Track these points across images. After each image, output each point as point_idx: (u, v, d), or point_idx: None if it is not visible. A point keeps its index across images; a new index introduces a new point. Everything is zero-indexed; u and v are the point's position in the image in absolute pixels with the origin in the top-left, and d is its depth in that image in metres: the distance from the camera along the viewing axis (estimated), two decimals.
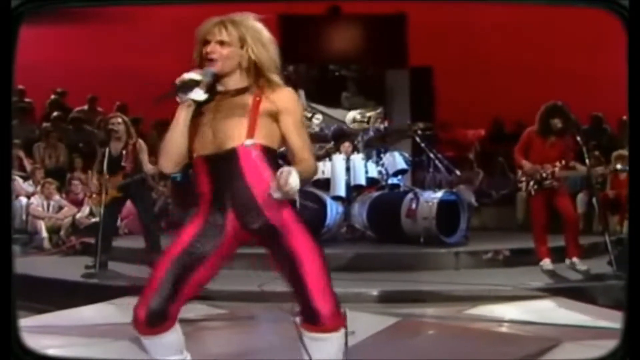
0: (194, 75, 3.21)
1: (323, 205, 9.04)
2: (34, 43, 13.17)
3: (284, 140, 3.30)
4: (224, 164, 3.21)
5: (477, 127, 14.66)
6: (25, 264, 8.67)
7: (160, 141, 3.37)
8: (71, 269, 8.36)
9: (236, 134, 3.21)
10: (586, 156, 7.70)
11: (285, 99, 3.28)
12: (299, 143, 3.28)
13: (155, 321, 3.21)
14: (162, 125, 14.04)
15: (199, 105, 3.27)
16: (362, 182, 9.52)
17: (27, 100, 14.59)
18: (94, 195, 9.40)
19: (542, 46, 14.31)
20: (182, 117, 3.25)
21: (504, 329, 6.08)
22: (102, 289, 7.29)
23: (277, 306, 6.26)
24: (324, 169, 9.25)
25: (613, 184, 10.59)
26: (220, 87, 3.30)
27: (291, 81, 3.50)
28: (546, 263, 7.82)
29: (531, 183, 7.80)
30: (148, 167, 8.25)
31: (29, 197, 11.22)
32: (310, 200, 8.88)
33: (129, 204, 8.75)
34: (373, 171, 9.61)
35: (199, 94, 3.22)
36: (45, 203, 11.13)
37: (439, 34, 14.63)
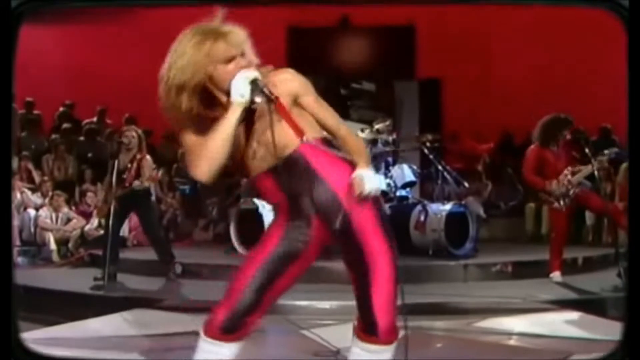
0: (256, 73, 3.07)
1: None
2: (38, 48, 13.25)
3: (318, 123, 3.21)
4: (292, 169, 3.11)
5: (486, 138, 14.64)
6: (33, 276, 8.68)
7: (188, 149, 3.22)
8: (80, 280, 8.36)
9: (288, 137, 3.11)
10: (595, 168, 7.66)
11: (288, 79, 3.17)
12: (332, 120, 3.22)
13: (230, 327, 3.13)
14: (174, 136, 14.20)
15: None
16: None
17: (35, 112, 14.63)
18: (99, 206, 9.45)
19: (551, 58, 14.30)
20: (235, 120, 3.06)
21: (513, 341, 6.06)
22: (110, 300, 7.29)
23: (285, 319, 6.26)
24: None
25: (622, 196, 10.56)
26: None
27: None
28: (556, 275, 7.81)
29: (561, 199, 7.75)
30: (145, 182, 8.26)
31: (37, 209, 11.24)
32: None
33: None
34: (381, 183, 9.59)
35: (260, 97, 3.06)
36: (53, 215, 11.15)
37: (447, 46, 14.65)
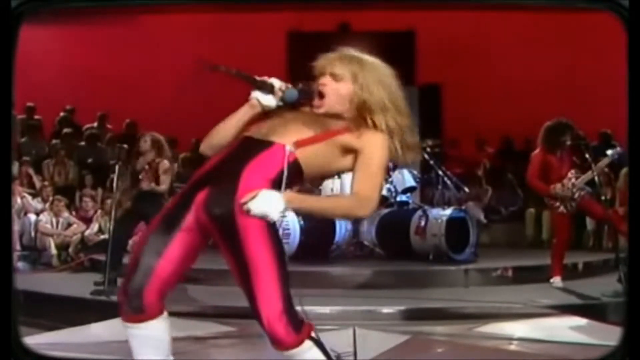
0: (274, 80, 3.25)
1: (332, 222, 9.03)
2: (38, 50, 13.23)
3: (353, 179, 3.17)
4: (249, 149, 3.10)
5: (486, 143, 14.65)
6: (34, 281, 8.67)
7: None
8: (80, 285, 8.34)
9: (288, 136, 3.11)
10: (595, 173, 7.66)
11: (373, 143, 3.14)
12: (359, 179, 3.12)
13: (134, 304, 3.13)
14: (174, 142, 14.18)
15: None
16: None
17: (36, 117, 14.64)
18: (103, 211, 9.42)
19: (551, 63, 14.32)
20: (241, 114, 3.26)
21: (513, 346, 6.05)
22: (110, 305, 7.26)
23: None
24: (333, 186, 9.21)
25: (622, 201, 10.55)
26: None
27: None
28: (557, 280, 7.81)
29: (568, 203, 7.74)
30: (162, 187, 8.28)
31: (38, 214, 11.23)
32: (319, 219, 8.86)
33: None
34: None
35: (268, 100, 3.22)
36: (54, 220, 11.14)
37: (447, 52, 14.66)
